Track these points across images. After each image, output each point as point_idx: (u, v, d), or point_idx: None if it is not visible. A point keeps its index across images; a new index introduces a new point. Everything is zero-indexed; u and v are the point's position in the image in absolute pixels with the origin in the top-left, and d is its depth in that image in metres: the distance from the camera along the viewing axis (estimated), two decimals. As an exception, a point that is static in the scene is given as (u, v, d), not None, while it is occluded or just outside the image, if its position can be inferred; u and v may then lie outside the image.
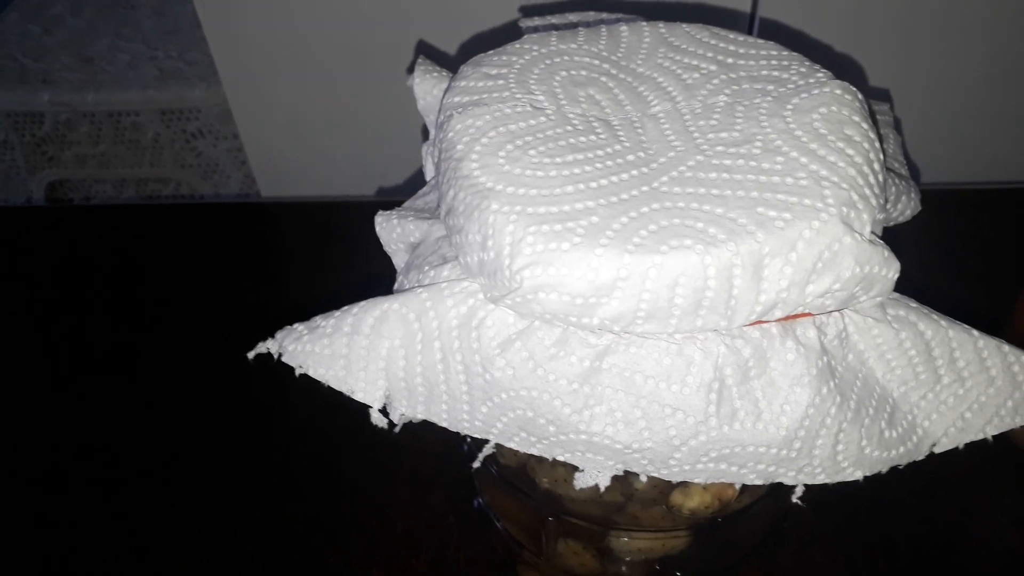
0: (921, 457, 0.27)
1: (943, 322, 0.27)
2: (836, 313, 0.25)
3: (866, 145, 0.25)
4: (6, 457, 0.45)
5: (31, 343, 0.51)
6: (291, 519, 0.41)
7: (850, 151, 0.25)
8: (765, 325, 0.24)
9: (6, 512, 0.42)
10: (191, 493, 0.43)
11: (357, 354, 0.27)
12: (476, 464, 0.28)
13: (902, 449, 0.26)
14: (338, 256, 0.54)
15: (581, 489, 0.29)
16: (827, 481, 0.25)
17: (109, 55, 0.84)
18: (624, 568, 0.33)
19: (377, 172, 0.64)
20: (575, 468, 0.27)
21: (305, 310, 0.28)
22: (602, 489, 0.26)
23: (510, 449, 0.31)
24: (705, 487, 0.29)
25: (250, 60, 0.60)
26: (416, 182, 0.33)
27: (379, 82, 0.59)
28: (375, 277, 0.32)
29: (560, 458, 0.26)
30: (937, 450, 0.27)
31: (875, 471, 0.26)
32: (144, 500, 0.43)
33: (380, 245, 0.32)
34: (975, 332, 0.27)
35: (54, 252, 0.57)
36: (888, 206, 0.28)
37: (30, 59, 0.84)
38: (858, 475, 0.26)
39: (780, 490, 0.32)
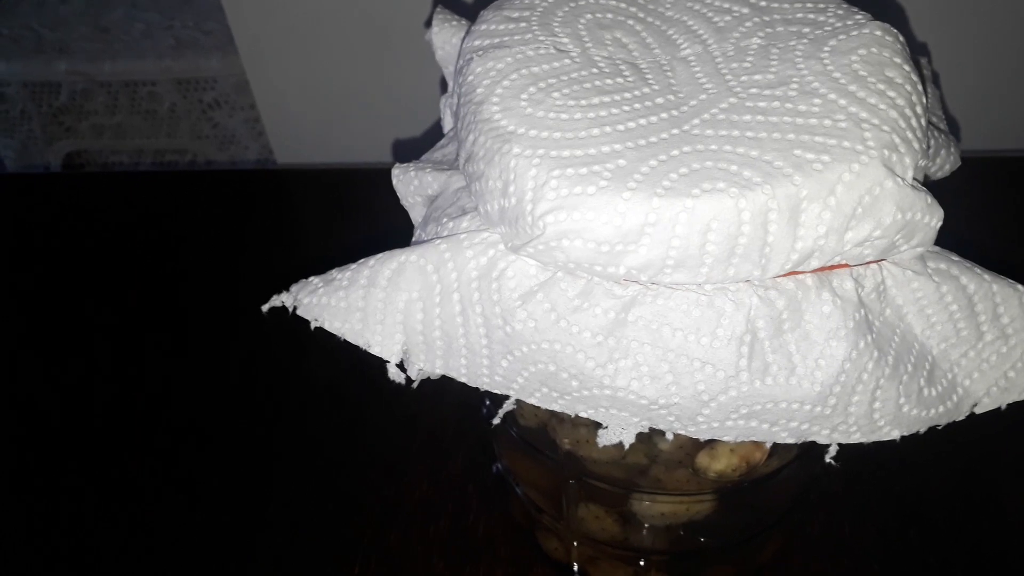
0: (961, 417, 0.25)
1: (987, 276, 0.25)
2: (874, 265, 0.24)
3: (908, 87, 0.24)
4: (27, 419, 0.45)
5: (48, 309, 0.50)
6: (307, 485, 0.41)
7: (891, 93, 0.23)
8: (800, 276, 0.23)
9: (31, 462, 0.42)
10: (206, 458, 0.42)
11: (374, 307, 0.26)
12: (496, 421, 0.27)
13: (941, 408, 0.25)
14: (356, 222, 0.53)
15: (604, 449, 0.28)
16: (863, 440, 0.24)
17: (125, 24, 0.84)
18: (647, 533, 0.32)
19: (396, 138, 0.63)
20: (597, 428, 0.26)
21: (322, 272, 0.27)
22: (626, 447, 0.25)
23: (530, 409, 0.30)
24: (732, 449, 0.28)
25: (267, 28, 0.59)
26: (433, 139, 0.32)
27: (397, 48, 0.58)
28: (392, 234, 0.31)
29: (583, 414, 0.25)
30: (978, 410, 0.26)
31: (913, 430, 0.25)
32: (157, 464, 0.42)
33: (399, 210, 0.31)
34: (1020, 287, 0.26)
35: (72, 219, 0.57)
36: (927, 161, 0.27)
37: (47, 29, 0.83)
38: (895, 434, 0.25)
39: (809, 455, 0.31)
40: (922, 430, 0.25)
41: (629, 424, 0.25)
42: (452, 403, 0.42)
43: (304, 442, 0.43)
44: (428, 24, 0.32)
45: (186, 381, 0.46)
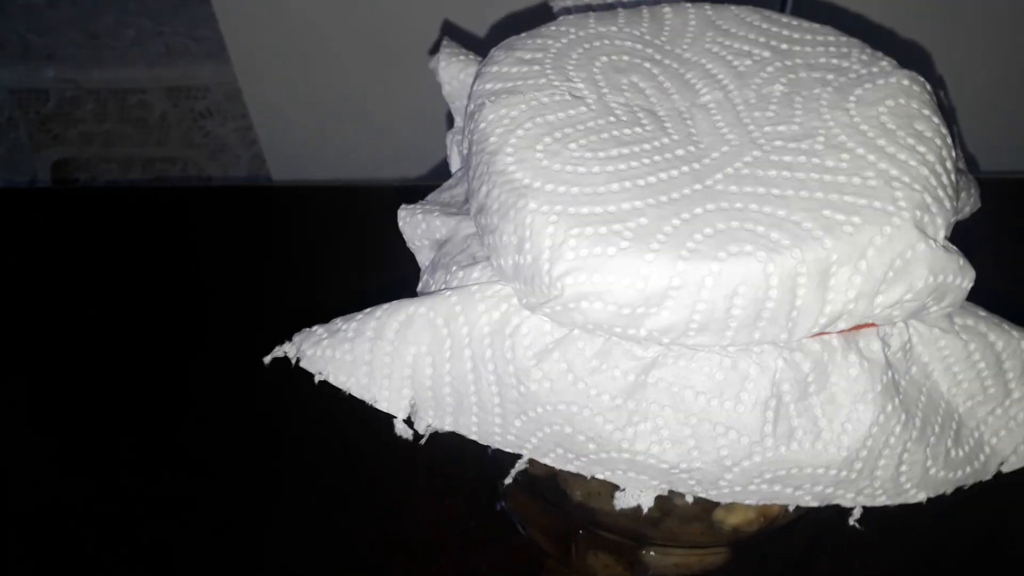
0: (988, 477, 0.25)
1: (1015, 332, 0.25)
2: (901, 324, 0.23)
3: (938, 141, 0.23)
4: (15, 445, 0.43)
5: (36, 325, 0.49)
6: (304, 519, 0.40)
7: (921, 148, 0.23)
8: (826, 337, 0.22)
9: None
10: (197, 491, 0.41)
11: (381, 360, 0.25)
12: (508, 480, 0.26)
13: (968, 469, 0.24)
14: (354, 243, 0.52)
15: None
16: (888, 503, 0.24)
17: (115, 31, 0.82)
18: (658, 583, 0.31)
19: (393, 156, 0.62)
20: (610, 482, 0.26)
21: (318, 301, 0.27)
22: (644, 511, 0.24)
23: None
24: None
25: (261, 37, 0.58)
26: (438, 171, 0.31)
27: (396, 62, 0.57)
28: (395, 270, 0.30)
29: (600, 476, 0.24)
30: (1005, 469, 0.25)
31: (940, 492, 0.24)
32: (153, 492, 0.41)
33: (397, 232, 0.30)
34: None
35: (58, 234, 0.55)
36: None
37: (34, 34, 0.81)
38: (921, 496, 0.24)
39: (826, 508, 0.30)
40: (949, 491, 0.24)
41: (648, 487, 0.24)
42: (455, 437, 0.41)
43: (302, 474, 0.42)
44: (433, 49, 0.31)
45: (178, 407, 0.45)
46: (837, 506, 0.26)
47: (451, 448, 0.41)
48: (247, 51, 0.59)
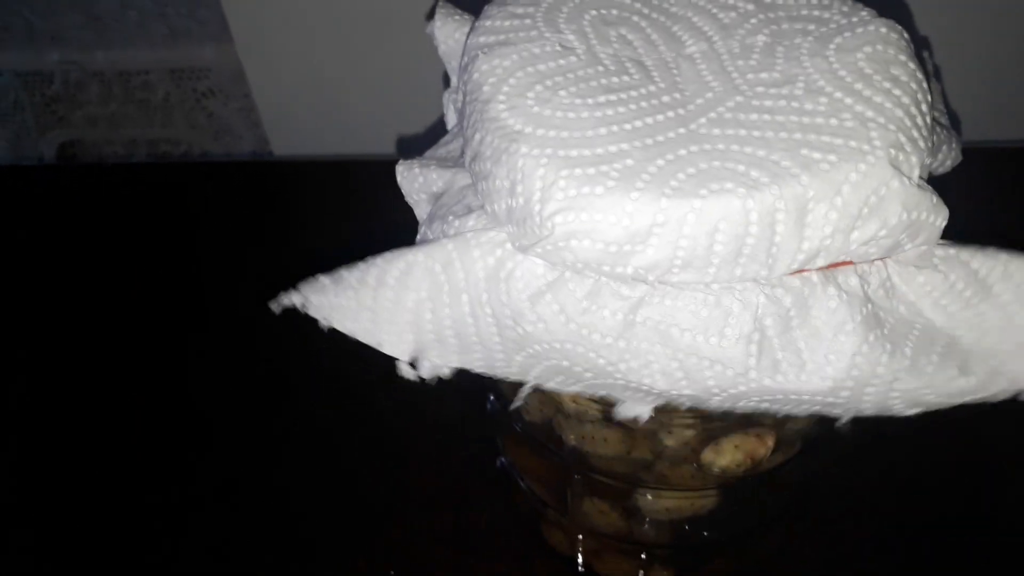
0: (1004, 398, 0.25)
1: (1000, 254, 0.25)
2: (879, 262, 0.24)
3: (914, 85, 0.24)
4: (24, 412, 0.44)
5: (41, 303, 0.50)
6: (310, 476, 0.41)
7: (897, 91, 0.23)
8: (805, 274, 0.23)
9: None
10: (208, 449, 0.42)
11: (383, 306, 0.26)
12: (515, 405, 0.27)
13: (980, 392, 0.25)
14: (356, 215, 0.53)
15: (609, 444, 0.28)
16: (876, 414, 0.24)
17: (118, 12, 0.83)
18: (650, 527, 0.32)
19: (395, 130, 0.63)
20: (603, 424, 0.27)
21: (323, 268, 0.27)
22: (644, 419, 0.25)
23: (535, 405, 0.30)
24: (737, 445, 0.28)
25: (262, 16, 0.58)
26: (436, 133, 0.32)
27: (396, 37, 0.57)
28: (396, 231, 0.31)
29: (601, 393, 0.25)
30: None
31: (936, 408, 0.25)
32: (157, 456, 0.42)
33: (399, 204, 0.30)
34: None
35: (67, 211, 0.56)
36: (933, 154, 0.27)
37: (38, 17, 0.82)
38: (912, 411, 0.24)
39: (814, 450, 0.31)
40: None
41: (646, 401, 0.25)
42: (455, 395, 0.42)
43: (307, 433, 0.43)
44: (430, 16, 0.32)
45: (185, 373, 0.46)
46: (828, 453, 0.26)
47: (452, 407, 0.43)
48: (249, 31, 0.59)
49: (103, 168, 0.70)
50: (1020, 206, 0.52)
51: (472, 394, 0.32)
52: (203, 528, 0.39)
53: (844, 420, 0.25)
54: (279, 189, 0.59)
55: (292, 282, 0.27)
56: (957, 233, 0.26)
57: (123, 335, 0.48)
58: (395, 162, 0.30)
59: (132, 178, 0.60)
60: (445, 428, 0.42)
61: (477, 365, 0.26)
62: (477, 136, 0.24)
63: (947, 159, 0.29)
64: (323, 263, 0.28)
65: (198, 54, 0.79)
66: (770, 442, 0.28)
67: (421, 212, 0.30)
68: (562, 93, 0.24)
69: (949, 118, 0.32)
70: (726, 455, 0.28)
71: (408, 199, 0.30)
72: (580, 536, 0.34)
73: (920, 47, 0.34)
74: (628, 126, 0.23)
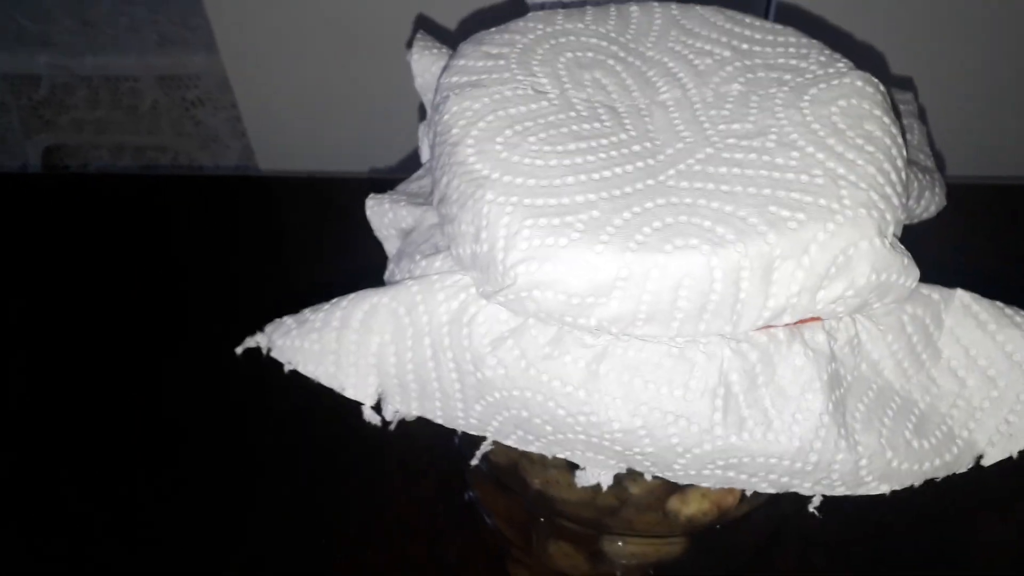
0: (963, 469, 0.25)
1: (948, 322, 0.25)
2: (848, 318, 0.24)
3: (887, 141, 0.24)
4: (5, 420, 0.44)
5: (21, 310, 0.50)
6: (281, 502, 0.40)
7: (870, 147, 0.23)
8: (772, 330, 0.23)
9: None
10: (175, 473, 0.42)
11: (347, 349, 0.25)
12: (474, 462, 0.27)
13: (938, 461, 0.24)
14: (337, 233, 0.53)
15: (574, 490, 0.28)
16: (848, 493, 0.24)
17: (110, 18, 0.82)
18: (617, 572, 0.32)
19: (378, 148, 0.62)
20: (568, 470, 0.26)
21: (301, 291, 0.27)
22: (604, 488, 0.24)
23: (502, 447, 0.30)
24: (704, 494, 0.28)
25: (249, 29, 0.58)
26: (412, 162, 0.31)
27: (382, 55, 0.57)
28: (372, 261, 0.30)
29: (560, 456, 0.25)
30: (986, 462, 0.25)
31: (905, 485, 0.24)
32: (131, 483, 0.42)
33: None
34: (991, 326, 0.25)
35: (48, 220, 0.56)
36: (911, 203, 0.27)
37: (28, 20, 0.82)
38: (884, 488, 0.24)
39: (782, 497, 0.31)
40: (917, 483, 0.24)
41: (607, 466, 0.24)
42: (424, 424, 0.42)
43: (279, 458, 0.42)
44: (410, 45, 0.31)
45: (159, 392, 0.45)
46: (796, 499, 0.26)
47: (422, 438, 0.42)
48: (235, 41, 0.59)
49: (86, 177, 0.70)
50: (1006, 244, 0.52)
51: (440, 425, 0.31)
52: (166, 554, 0.39)
53: (816, 501, 0.25)
54: (263, 203, 0.58)
55: (272, 304, 0.27)
56: (938, 272, 0.26)
57: (103, 346, 0.47)
58: (377, 181, 0.30)
59: (115, 188, 0.60)
60: (414, 453, 0.42)
61: (437, 415, 0.25)
62: (444, 179, 0.24)
63: (931, 204, 0.29)
64: (301, 281, 0.28)
65: (188, 62, 0.78)
66: (738, 491, 0.28)
67: (391, 247, 0.30)
68: (531, 139, 0.24)
69: (935, 159, 0.32)
70: (692, 504, 0.28)
71: (377, 234, 0.30)
72: (546, 576, 0.34)
73: (904, 87, 0.34)
74: (596, 175, 0.23)
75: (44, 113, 0.81)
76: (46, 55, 0.78)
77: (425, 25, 0.54)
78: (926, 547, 0.38)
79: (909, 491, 0.25)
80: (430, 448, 0.42)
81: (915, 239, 0.25)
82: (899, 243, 0.23)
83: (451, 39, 0.32)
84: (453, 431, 0.34)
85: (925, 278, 0.25)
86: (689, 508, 0.28)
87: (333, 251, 0.51)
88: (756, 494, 0.29)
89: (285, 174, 0.64)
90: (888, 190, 0.23)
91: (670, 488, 0.28)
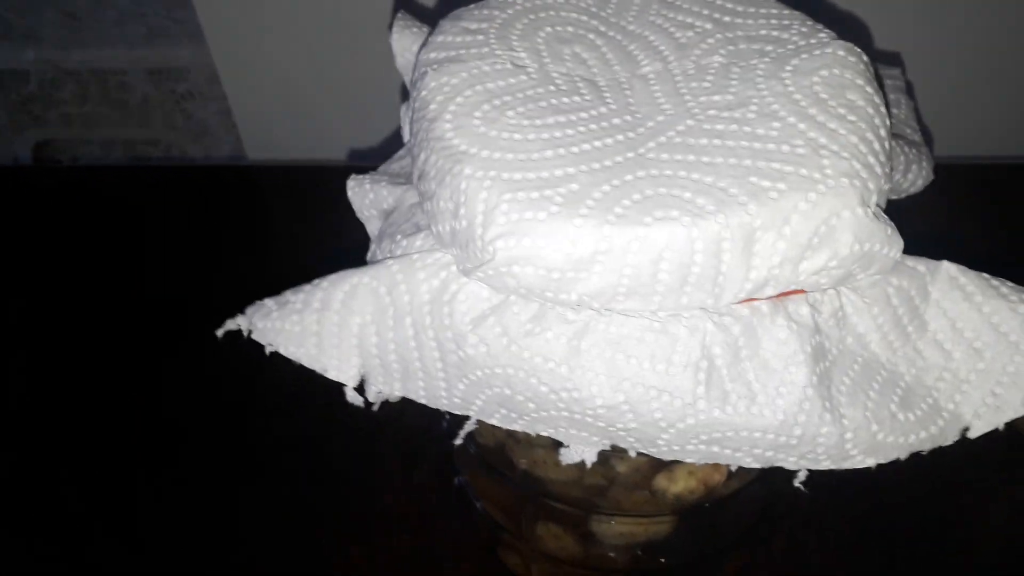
0: (949, 441, 0.24)
1: (934, 294, 0.25)
2: (832, 291, 0.23)
3: (870, 110, 0.23)
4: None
5: (17, 305, 0.49)
6: (269, 495, 0.40)
7: (852, 117, 0.23)
8: (755, 303, 0.23)
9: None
10: (164, 465, 0.41)
11: (328, 331, 0.25)
12: (458, 441, 0.27)
13: (923, 434, 0.24)
14: (328, 220, 0.52)
15: (561, 470, 0.27)
16: (833, 467, 0.24)
17: (95, 11, 0.82)
18: (606, 552, 0.32)
19: (368, 135, 0.62)
20: (555, 448, 0.26)
21: (291, 276, 0.27)
22: (588, 465, 0.24)
23: (488, 429, 0.30)
24: (690, 472, 0.28)
25: (237, 19, 0.58)
26: (396, 143, 0.31)
27: (372, 44, 0.57)
28: (359, 245, 0.30)
29: (543, 434, 0.24)
30: (972, 434, 0.24)
31: (891, 458, 0.24)
32: (123, 475, 0.41)
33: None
34: (977, 298, 0.25)
35: (39, 212, 0.56)
36: (897, 176, 0.27)
37: (14, 15, 0.81)
38: (869, 462, 0.24)
39: (770, 475, 0.30)
40: (902, 457, 0.24)
41: (590, 443, 0.24)
42: (416, 412, 0.41)
43: (266, 450, 0.42)
44: (391, 26, 0.31)
45: (150, 384, 0.45)
46: (786, 477, 0.26)
47: (413, 424, 0.42)
48: (224, 34, 0.59)
49: (77, 169, 0.69)
50: (995, 223, 0.52)
51: (432, 411, 0.31)
52: (155, 549, 0.38)
53: (802, 476, 0.25)
54: (253, 193, 0.58)
55: (260, 290, 0.27)
56: (924, 248, 0.26)
57: (97, 339, 0.47)
58: (365, 168, 0.30)
59: (105, 180, 0.60)
60: (405, 442, 0.41)
61: (420, 395, 0.25)
62: (423, 155, 0.24)
63: (918, 178, 0.29)
64: (291, 270, 0.27)
65: (176, 55, 0.78)
66: (724, 468, 0.28)
67: (372, 228, 0.29)
68: (510, 113, 0.23)
69: (923, 134, 0.32)
70: (680, 482, 0.28)
71: (359, 215, 0.29)
72: (535, 560, 0.34)
73: (891, 63, 0.34)
74: (575, 149, 0.23)
75: (33, 109, 0.80)
76: (33, 50, 0.77)
77: (407, 7, 0.54)
78: (917, 527, 0.38)
79: (895, 465, 0.25)
80: (422, 434, 0.41)
81: (901, 215, 0.25)
82: (883, 213, 0.23)
83: (433, 19, 0.31)
84: (443, 415, 0.34)
85: (911, 253, 0.25)
86: (676, 486, 0.28)
87: (327, 237, 0.51)
88: (743, 472, 0.29)
89: (273, 163, 0.63)
90: (871, 159, 0.22)
91: (657, 466, 0.27)
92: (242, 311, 0.26)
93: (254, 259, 0.51)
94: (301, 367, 0.27)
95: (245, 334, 0.26)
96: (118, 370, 0.46)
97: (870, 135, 0.23)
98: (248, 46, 0.59)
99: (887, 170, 0.23)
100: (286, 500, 0.40)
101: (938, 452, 0.26)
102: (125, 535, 0.39)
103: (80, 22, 0.79)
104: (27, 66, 0.77)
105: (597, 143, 0.23)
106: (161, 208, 0.56)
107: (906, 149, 0.28)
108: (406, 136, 0.31)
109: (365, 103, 0.60)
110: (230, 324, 0.26)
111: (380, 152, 0.63)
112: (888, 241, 0.22)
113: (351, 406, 0.43)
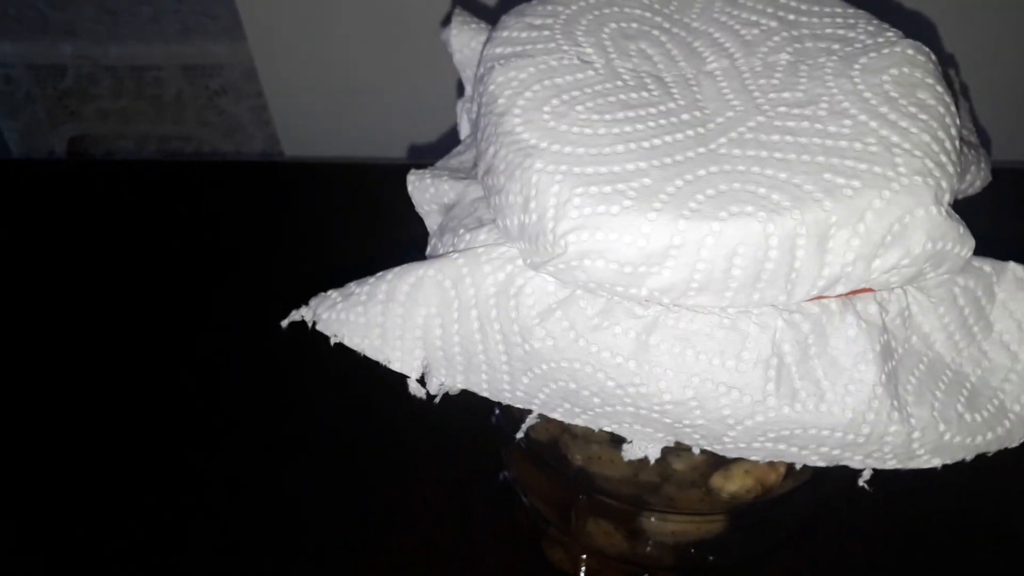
0: (1016, 443, 0.24)
1: (1000, 295, 0.24)
2: (899, 290, 0.23)
3: (941, 109, 0.23)
4: (29, 409, 0.44)
5: (48, 297, 0.50)
6: (310, 485, 0.40)
7: (923, 116, 0.23)
8: (824, 300, 0.23)
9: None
10: (209, 454, 0.42)
11: (393, 322, 0.25)
12: (519, 435, 0.27)
13: (990, 435, 0.24)
14: (366, 220, 0.53)
15: (616, 466, 0.28)
16: (899, 467, 0.24)
17: (133, 7, 0.82)
18: (655, 550, 0.32)
19: (407, 134, 0.62)
20: (612, 445, 0.26)
21: (333, 275, 0.27)
22: (651, 462, 0.24)
23: (542, 423, 0.30)
24: (747, 470, 0.28)
25: (276, 15, 0.58)
26: (448, 142, 0.31)
27: (412, 39, 0.57)
28: (406, 242, 0.30)
29: (607, 429, 0.24)
30: None
31: (957, 459, 0.24)
32: (158, 460, 0.42)
33: (409, 209, 0.30)
34: None
35: (74, 206, 0.56)
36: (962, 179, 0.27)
37: (53, 10, 0.82)
38: (936, 462, 0.24)
39: (825, 475, 0.30)
40: (968, 458, 0.24)
41: (654, 439, 0.24)
42: (459, 407, 0.42)
43: (309, 441, 0.42)
44: (445, 21, 0.31)
45: (190, 375, 0.45)
46: (837, 479, 0.26)
47: (455, 419, 0.42)
48: (263, 30, 0.59)
49: (113, 164, 0.70)
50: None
51: (477, 406, 0.31)
52: (205, 533, 0.39)
53: (867, 475, 0.25)
54: (289, 190, 0.58)
55: (300, 287, 0.27)
56: (987, 254, 0.25)
57: (128, 333, 0.47)
58: (407, 166, 0.30)
59: (141, 174, 0.60)
60: (450, 438, 0.41)
61: (483, 388, 0.25)
62: (491, 149, 0.24)
63: (976, 179, 0.29)
64: (332, 268, 0.27)
65: (211, 51, 0.79)
66: (781, 468, 0.28)
67: (432, 223, 0.29)
68: (579, 108, 0.23)
69: (979, 136, 0.31)
70: (736, 480, 0.28)
71: (419, 209, 0.29)
72: (583, 555, 0.34)
73: (947, 64, 0.34)
74: (646, 144, 0.23)
75: (69, 103, 0.81)
76: (71, 45, 0.78)
77: (460, 2, 0.54)
78: (962, 534, 0.38)
79: (946, 469, 0.25)
80: (464, 428, 0.41)
81: (961, 215, 0.25)
82: (954, 212, 0.23)
83: (486, 16, 0.32)
84: (489, 411, 0.34)
85: (975, 254, 0.24)
86: (732, 485, 0.28)
87: (366, 237, 0.51)
88: (798, 472, 0.29)
89: (312, 160, 0.64)
90: (943, 158, 0.22)
91: (714, 464, 0.27)
92: (306, 302, 0.26)
93: (290, 257, 0.51)
94: (345, 360, 0.27)
95: (309, 325, 0.26)
96: (151, 360, 0.46)
97: (941, 134, 0.23)
98: (286, 40, 0.59)
99: (958, 169, 0.23)
100: (326, 494, 0.40)
101: (989, 457, 0.26)
102: (129, 542, 0.39)
103: (117, 17, 0.79)
104: (64, 61, 0.78)
105: (667, 138, 0.23)
106: (195, 203, 0.56)
107: (966, 150, 0.28)
108: (463, 132, 0.31)
109: (405, 100, 0.60)
110: (295, 315, 0.26)
111: (419, 152, 0.63)
112: (960, 240, 0.22)
113: (390, 401, 0.43)
